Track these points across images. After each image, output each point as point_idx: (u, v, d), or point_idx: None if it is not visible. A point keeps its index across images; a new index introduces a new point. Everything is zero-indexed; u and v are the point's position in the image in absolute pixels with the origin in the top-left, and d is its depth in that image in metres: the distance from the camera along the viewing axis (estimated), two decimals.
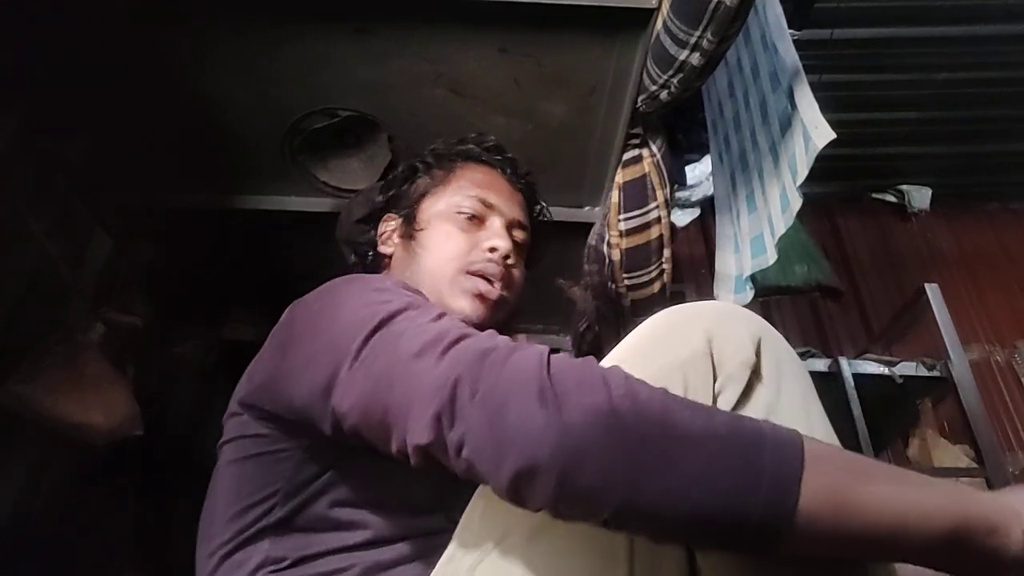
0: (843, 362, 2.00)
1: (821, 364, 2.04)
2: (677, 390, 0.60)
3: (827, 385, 1.95)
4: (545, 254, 1.11)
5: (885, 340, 2.36)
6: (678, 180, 2.05)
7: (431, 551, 0.69)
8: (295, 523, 0.72)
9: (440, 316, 0.66)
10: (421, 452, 0.57)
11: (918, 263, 2.85)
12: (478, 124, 1.30)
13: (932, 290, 2.02)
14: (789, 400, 0.65)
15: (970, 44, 2.38)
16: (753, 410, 0.63)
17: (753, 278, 1.39)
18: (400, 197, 0.99)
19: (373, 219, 1.02)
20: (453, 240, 0.90)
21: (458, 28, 1.14)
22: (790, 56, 1.15)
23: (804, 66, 1.13)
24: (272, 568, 0.70)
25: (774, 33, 1.20)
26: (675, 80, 1.10)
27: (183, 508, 1.62)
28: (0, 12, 1.03)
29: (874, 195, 3.05)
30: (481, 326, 0.85)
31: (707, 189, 2.36)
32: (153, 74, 1.20)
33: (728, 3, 0.95)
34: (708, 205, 2.37)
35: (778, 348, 0.67)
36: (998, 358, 2.64)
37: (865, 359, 2.05)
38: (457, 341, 0.59)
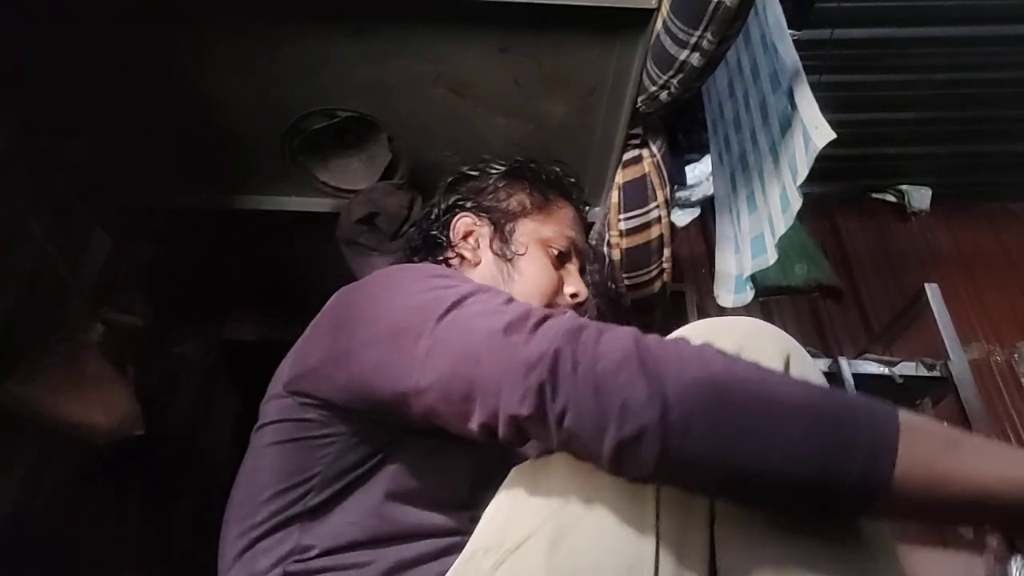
0: (843, 362, 1.99)
1: (821, 364, 2.04)
2: None
3: None
4: None
5: (885, 340, 2.36)
6: (678, 180, 2.05)
7: (452, 550, 0.69)
8: (329, 512, 0.72)
9: (511, 299, 0.65)
10: (515, 424, 0.57)
11: (918, 263, 2.85)
12: (478, 124, 1.30)
13: (932, 290, 2.02)
14: None
15: (970, 44, 2.38)
16: None
17: (753, 278, 1.39)
18: (490, 202, 0.96)
19: (442, 209, 0.98)
20: (548, 277, 0.91)
21: (458, 28, 1.14)
22: (790, 56, 1.15)
23: (804, 66, 1.13)
24: (298, 558, 0.70)
25: (774, 33, 1.20)
26: (675, 80, 1.10)
27: (183, 508, 1.62)
28: (0, 11, 1.03)
29: (874, 195, 3.05)
30: None
31: (707, 189, 2.36)
32: (153, 74, 1.20)
33: (728, 3, 0.95)
34: (708, 205, 2.37)
35: (806, 365, 0.68)
36: (998, 358, 2.64)
37: (865, 359, 2.05)
38: (544, 319, 0.60)
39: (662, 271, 1.41)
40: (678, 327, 0.70)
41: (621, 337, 0.57)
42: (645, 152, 1.33)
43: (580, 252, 0.98)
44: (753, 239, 1.33)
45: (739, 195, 1.41)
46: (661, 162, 1.34)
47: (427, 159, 1.38)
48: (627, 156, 1.33)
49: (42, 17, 1.09)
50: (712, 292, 1.51)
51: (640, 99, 1.22)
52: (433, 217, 1.00)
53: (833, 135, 1.03)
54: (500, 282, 0.90)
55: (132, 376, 1.43)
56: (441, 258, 0.95)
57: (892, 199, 3.04)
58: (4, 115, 1.17)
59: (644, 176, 1.33)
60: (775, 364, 0.64)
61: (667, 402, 0.52)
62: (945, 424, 0.58)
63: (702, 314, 2.14)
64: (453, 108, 1.27)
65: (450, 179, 1.03)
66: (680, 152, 1.89)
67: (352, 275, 1.36)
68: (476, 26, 1.13)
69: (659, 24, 1.08)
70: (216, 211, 1.46)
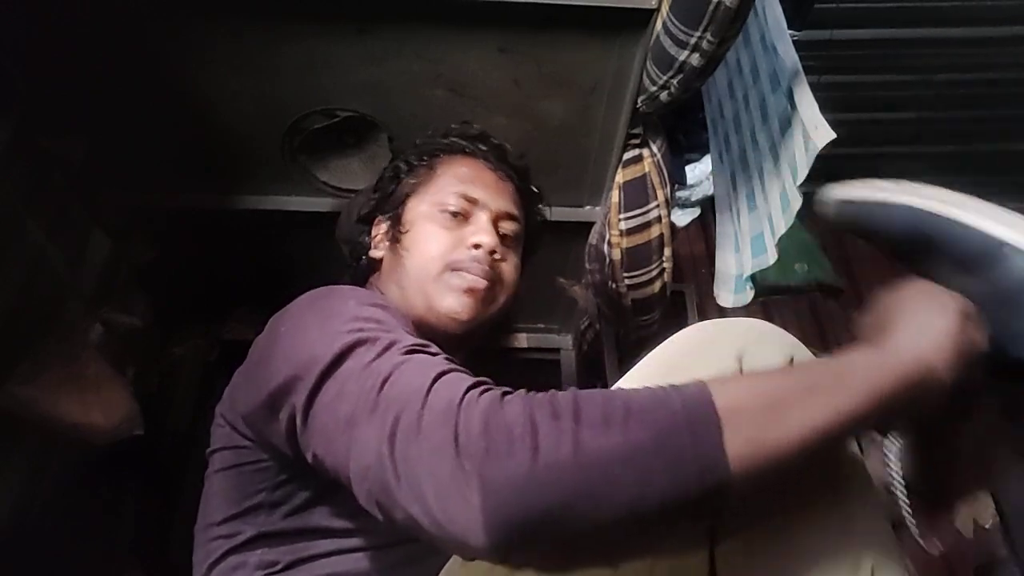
0: None
1: None
2: None
3: None
4: (544, 240, 1.10)
5: None
6: (678, 180, 2.05)
7: (426, 555, 0.68)
8: (285, 530, 0.72)
9: (386, 348, 0.63)
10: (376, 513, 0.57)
11: None
12: (478, 124, 1.30)
13: None
14: None
15: (970, 45, 2.38)
16: None
17: (753, 278, 1.39)
18: (387, 199, 1.00)
19: (366, 222, 1.02)
20: (436, 239, 0.89)
21: (458, 28, 1.14)
22: (790, 57, 1.15)
23: (804, 66, 1.13)
24: (266, 571, 0.71)
25: (774, 34, 1.20)
26: (675, 81, 1.10)
27: (183, 508, 1.62)
28: None
29: None
30: (472, 321, 0.86)
31: (707, 189, 2.36)
32: (152, 73, 1.19)
33: (728, 4, 0.95)
34: (708, 205, 2.37)
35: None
36: None
37: None
38: (379, 400, 0.57)
39: (662, 271, 1.41)
40: (678, 327, 0.70)
41: (438, 424, 0.52)
42: (645, 152, 1.33)
43: (481, 200, 0.93)
44: (753, 239, 1.33)
45: (739, 195, 1.41)
46: (661, 162, 1.34)
47: None
48: (627, 156, 1.33)
49: (40, 16, 1.09)
50: (712, 292, 1.51)
51: (640, 99, 1.22)
52: (363, 226, 1.04)
53: (833, 135, 1.04)
54: (397, 264, 0.91)
55: (132, 376, 1.42)
56: (360, 266, 1.01)
57: None
58: (2, 115, 1.16)
59: (644, 176, 1.33)
60: (776, 365, 0.64)
61: (484, 519, 0.48)
62: (764, 376, 0.57)
63: (702, 314, 2.14)
64: (453, 108, 1.27)
65: (374, 184, 1.07)
66: (680, 152, 1.90)
67: None
68: (476, 26, 1.13)
69: (659, 24, 1.08)
70: (216, 211, 1.46)
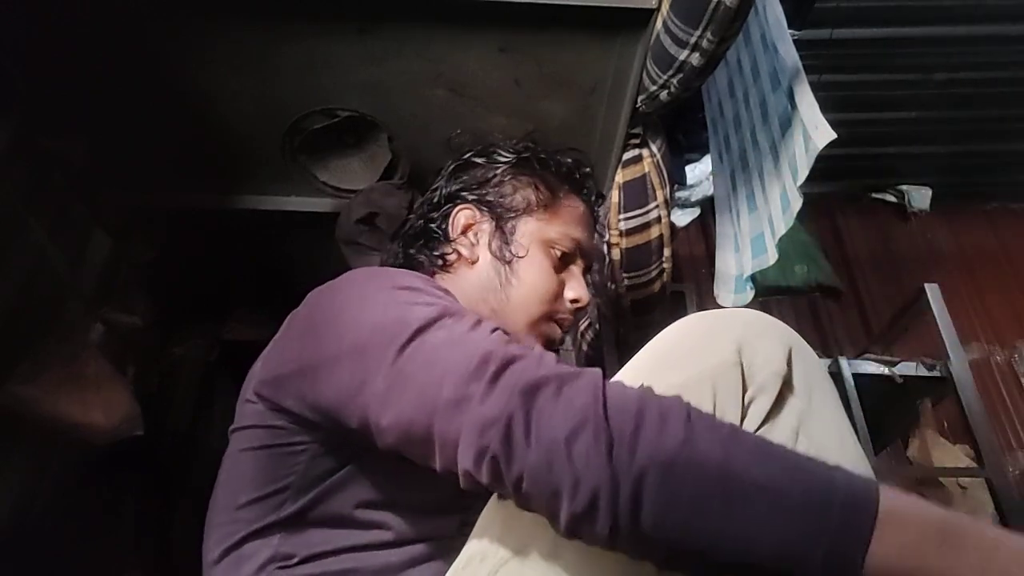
0: (843, 362, 2.00)
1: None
2: (706, 401, 0.60)
3: None
4: None
5: (885, 340, 2.36)
6: (678, 180, 2.05)
7: (444, 554, 0.68)
8: (307, 519, 0.71)
9: (477, 324, 0.63)
10: (474, 481, 0.57)
11: (918, 263, 2.85)
12: (478, 124, 1.30)
13: (932, 290, 2.02)
14: (820, 412, 0.64)
15: (970, 44, 2.38)
16: (785, 421, 0.63)
17: (753, 278, 1.39)
18: (493, 196, 0.91)
19: (450, 201, 0.93)
20: (548, 282, 0.87)
21: (458, 28, 1.14)
22: (790, 56, 1.15)
23: (804, 66, 1.13)
24: (281, 564, 0.69)
25: (774, 33, 1.20)
26: (675, 80, 1.10)
27: (183, 508, 1.61)
28: None
29: (874, 195, 3.05)
30: None
31: (707, 189, 2.36)
32: (153, 73, 1.19)
33: (728, 3, 0.95)
34: (708, 205, 2.37)
35: (808, 359, 0.66)
36: (998, 358, 2.64)
37: (865, 359, 2.05)
38: (505, 367, 0.57)
39: (662, 271, 1.41)
40: None
41: (581, 394, 0.54)
42: (645, 152, 1.33)
43: (586, 253, 0.93)
44: (753, 239, 1.33)
45: (739, 195, 1.41)
46: (661, 162, 1.34)
47: (427, 159, 1.38)
48: (627, 156, 1.33)
49: (40, 16, 1.09)
50: (712, 292, 1.51)
51: (640, 99, 1.22)
52: (433, 203, 0.94)
53: (833, 135, 1.03)
54: (496, 285, 0.86)
55: (132, 376, 1.42)
56: (437, 253, 0.90)
57: (892, 199, 3.04)
58: (3, 115, 1.16)
59: (644, 176, 1.33)
60: (776, 358, 0.63)
61: (618, 481, 0.50)
62: (948, 512, 0.51)
63: None
64: (453, 108, 1.27)
65: (454, 164, 0.97)
66: (680, 152, 1.89)
67: None
68: (476, 26, 1.13)
69: (659, 24, 1.08)
70: (216, 211, 1.46)
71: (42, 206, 1.25)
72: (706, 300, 2.24)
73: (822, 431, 0.63)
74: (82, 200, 1.35)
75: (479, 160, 0.95)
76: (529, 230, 0.88)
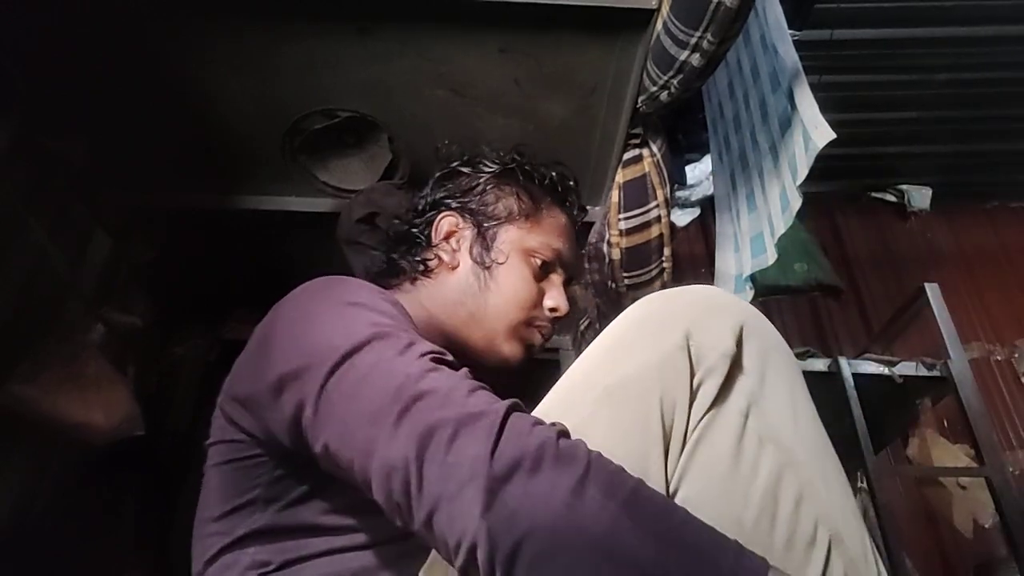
0: (843, 362, 2.00)
1: (821, 364, 2.04)
2: (654, 394, 0.61)
3: (827, 385, 1.95)
4: None
5: (885, 339, 2.36)
6: (678, 180, 2.05)
7: (419, 552, 0.68)
8: (278, 527, 0.72)
9: (408, 347, 0.63)
10: (392, 517, 0.58)
11: (918, 262, 2.85)
12: (478, 124, 1.30)
13: (932, 289, 2.02)
14: (773, 391, 0.64)
15: (970, 44, 2.39)
16: (733, 403, 0.62)
17: (753, 277, 1.39)
18: (476, 204, 0.93)
19: (434, 208, 0.95)
20: (527, 290, 0.88)
21: (458, 28, 1.14)
22: (790, 57, 1.15)
23: (804, 66, 1.13)
24: (259, 571, 0.70)
25: (774, 34, 1.20)
26: (675, 81, 1.10)
27: (183, 508, 1.62)
28: None
29: (874, 195, 3.05)
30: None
31: (707, 189, 2.36)
32: (153, 74, 1.19)
33: (728, 4, 0.95)
34: (708, 205, 2.37)
35: (764, 336, 0.66)
36: (998, 357, 2.64)
37: (865, 359, 2.05)
38: (411, 404, 0.57)
39: (662, 271, 1.41)
40: None
41: (473, 445, 0.53)
42: (645, 152, 1.33)
43: (566, 264, 0.94)
44: (753, 238, 1.33)
45: (739, 194, 1.42)
46: (661, 161, 1.34)
47: (427, 159, 1.38)
48: (627, 156, 1.33)
49: (40, 16, 1.09)
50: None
51: (640, 99, 1.22)
52: (418, 210, 0.97)
53: (833, 135, 1.03)
54: (475, 290, 0.87)
55: (132, 376, 1.42)
56: (419, 258, 0.92)
57: (892, 199, 3.05)
58: (3, 115, 1.16)
59: (644, 176, 1.33)
60: (724, 337, 0.63)
61: (495, 544, 0.50)
62: None
63: None
64: (453, 108, 1.27)
65: (439, 173, 0.99)
66: (680, 152, 1.89)
67: (353, 275, 1.36)
68: (476, 26, 1.13)
69: (659, 24, 1.08)
70: (216, 211, 1.46)
71: (42, 206, 1.25)
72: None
73: (775, 412, 0.63)
74: (82, 200, 1.35)
75: (465, 169, 0.97)
76: (510, 238, 0.90)
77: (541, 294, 0.90)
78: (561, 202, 0.97)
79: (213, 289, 1.71)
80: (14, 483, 1.20)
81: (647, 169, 1.33)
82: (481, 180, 0.94)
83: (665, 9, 1.05)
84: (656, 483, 0.59)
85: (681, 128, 1.87)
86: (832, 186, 2.93)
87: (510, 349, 0.87)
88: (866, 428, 1.88)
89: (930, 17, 2.28)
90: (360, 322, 0.66)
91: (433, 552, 0.65)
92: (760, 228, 1.31)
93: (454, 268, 0.90)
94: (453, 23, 1.13)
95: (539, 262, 0.90)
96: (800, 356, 1.93)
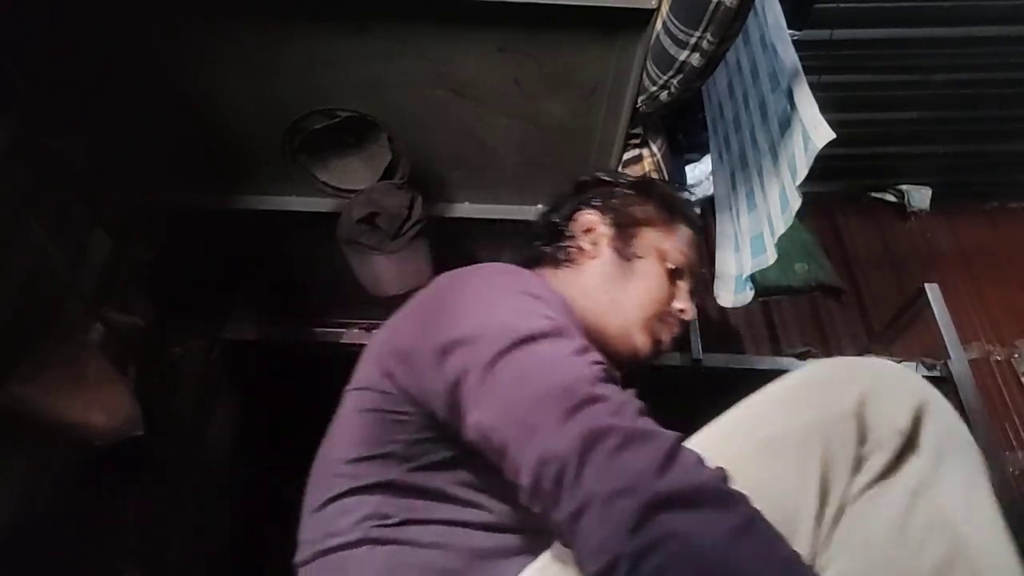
0: None
1: None
2: (815, 451, 0.60)
3: None
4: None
5: (885, 340, 2.36)
6: (678, 180, 2.05)
7: (537, 548, 0.69)
8: (408, 486, 0.73)
9: (583, 351, 0.65)
10: (529, 504, 0.59)
11: (918, 262, 2.85)
12: (478, 124, 1.30)
13: (932, 289, 2.02)
14: (950, 476, 0.62)
15: (970, 44, 2.38)
16: (902, 481, 0.61)
17: (753, 277, 1.39)
18: (617, 205, 0.99)
19: (569, 202, 1.03)
20: (661, 286, 0.93)
21: (458, 28, 1.14)
22: (789, 57, 1.15)
23: (804, 66, 1.13)
24: (378, 523, 0.71)
25: (773, 34, 1.20)
26: (675, 81, 1.10)
27: (183, 508, 1.62)
28: None
29: (874, 195, 3.05)
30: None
31: (707, 189, 2.35)
32: (153, 73, 1.20)
33: (728, 4, 0.95)
34: (708, 205, 2.36)
35: (946, 421, 0.64)
36: (998, 357, 2.64)
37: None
38: (583, 404, 0.58)
39: None
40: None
41: (642, 460, 0.54)
42: (645, 151, 1.33)
43: (694, 274, 1.00)
44: (753, 238, 1.33)
45: (739, 194, 1.41)
46: (661, 162, 1.34)
47: (427, 159, 1.38)
48: (627, 156, 1.33)
49: (40, 16, 1.09)
50: (712, 292, 1.51)
51: (640, 99, 1.22)
52: (560, 208, 1.04)
53: (833, 135, 1.03)
54: (616, 279, 0.92)
55: (132, 376, 1.42)
56: (562, 245, 0.97)
57: (892, 199, 3.04)
58: (3, 115, 1.17)
59: (644, 175, 1.33)
60: (900, 414, 0.62)
61: (638, 561, 0.50)
62: None
63: (702, 313, 2.14)
64: (453, 108, 1.27)
65: (580, 180, 1.07)
66: (680, 152, 1.89)
67: (352, 275, 1.36)
68: (476, 26, 1.13)
69: (659, 24, 1.08)
70: (216, 211, 1.46)
71: (42, 206, 1.25)
72: (706, 299, 2.25)
73: (949, 496, 0.61)
74: (82, 200, 1.35)
75: (606, 178, 1.07)
76: (648, 239, 0.96)
77: (672, 295, 0.95)
78: (692, 221, 1.03)
79: (213, 289, 1.71)
80: (14, 483, 1.20)
81: (647, 169, 1.33)
82: (622, 186, 1.03)
83: (665, 9, 1.05)
84: (803, 542, 0.59)
85: (681, 128, 1.87)
86: (832, 186, 2.92)
87: (642, 341, 0.91)
88: None
89: (930, 17, 2.28)
90: (539, 313, 0.68)
91: (548, 555, 0.67)
92: (760, 228, 1.31)
93: (595, 258, 0.95)
94: (453, 22, 1.13)
95: (672, 266, 0.95)
96: (800, 356, 1.93)
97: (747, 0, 0.96)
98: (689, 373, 1.69)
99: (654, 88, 1.16)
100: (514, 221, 1.51)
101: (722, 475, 0.55)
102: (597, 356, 0.66)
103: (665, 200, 1.01)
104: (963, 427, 0.65)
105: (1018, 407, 2.52)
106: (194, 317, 1.74)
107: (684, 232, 1.00)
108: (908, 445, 0.62)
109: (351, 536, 0.71)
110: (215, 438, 1.76)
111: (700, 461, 0.56)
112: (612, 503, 0.52)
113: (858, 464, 0.61)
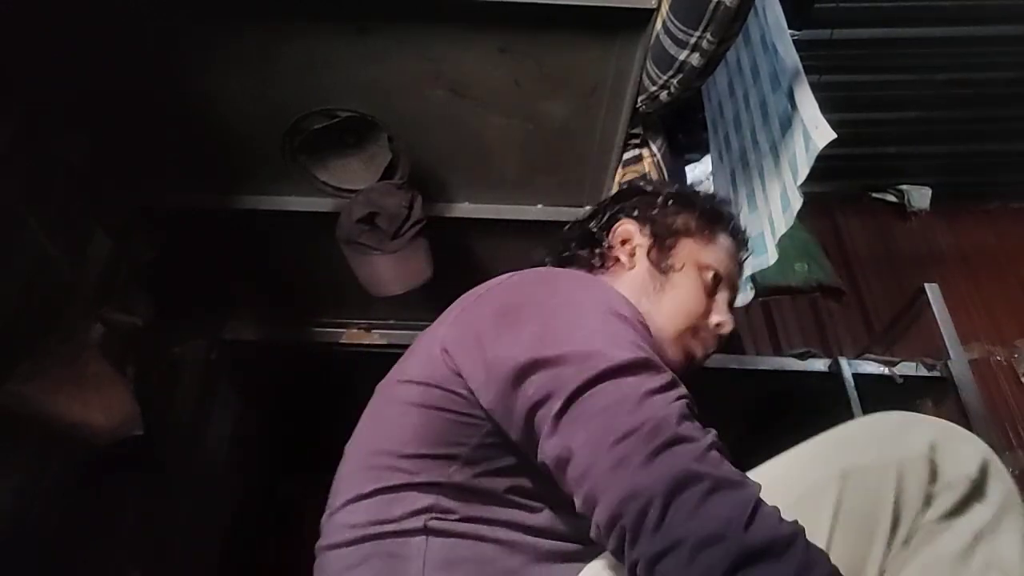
0: (843, 362, 1.99)
1: (821, 364, 2.03)
2: (889, 489, 0.64)
3: (827, 385, 1.95)
4: (543, 239, 1.11)
5: (885, 340, 2.36)
6: (678, 180, 2.04)
7: (591, 556, 0.70)
8: (473, 488, 0.73)
9: (671, 385, 0.65)
10: (600, 538, 0.60)
11: (918, 263, 2.85)
12: (478, 124, 1.30)
13: (932, 290, 2.02)
14: (1009, 531, 0.65)
15: (970, 44, 2.39)
16: (968, 521, 0.65)
17: (753, 278, 1.39)
18: (654, 215, 0.97)
19: (607, 211, 1.01)
20: (697, 299, 0.91)
21: (458, 28, 1.14)
22: (790, 56, 1.15)
23: (804, 66, 1.13)
24: (438, 516, 0.71)
25: (774, 33, 1.20)
26: (675, 81, 1.10)
27: (183, 508, 1.62)
28: None
29: (874, 195, 3.05)
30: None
31: (707, 189, 2.35)
32: (153, 74, 1.20)
33: (728, 3, 0.95)
34: None
35: (1007, 480, 0.69)
36: (998, 357, 2.64)
37: (865, 359, 2.05)
38: (671, 444, 0.58)
39: None
40: None
41: (729, 508, 0.55)
42: (645, 151, 1.33)
43: (733, 285, 0.98)
44: (753, 239, 1.33)
45: (739, 194, 1.41)
46: (661, 162, 1.34)
47: (427, 159, 1.38)
48: (627, 155, 1.33)
49: (40, 16, 1.09)
50: None
51: (640, 99, 1.22)
52: (595, 218, 1.02)
53: (833, 135, 1.03)
54: (649, 291, 0.90)
55: (132, 376, 1.42)
56: (597, 251, 0.96)
57: (892, 199, 3.04)
58: (4, 115, 1.16)
59: (644, 175, 1.33)
60: (969, 462, 0.66)
61: None
62: None
63: None
64: (453, 108, 1.27)
65: (619, 190, 1.06)
66: (680, 152, 1.89)
67: (352, 275, 1.36)
68: (476, 26, 1.13)
69: (659, 24, 1.08)
70: (216, 211, 1.46)
71: (43, 206, 1.25)
72: None
73: (1007, 548, 0.65)
74: (82, 200, 1.35)
75: (646, 187, 1.05)
76: (686, 250, 0.94)
77: (709, 308, 0.92)
78: (733, 231, 1.01)
79: (213, 289, 1.71)
80: (14, 483, 1.20)
81: (647, 169, 1.33)
82: (660, 197, 1.00)
83: (665, 9, 1.05)
84: (875, 560, 0.63)
85: (681, 128, 1.87)
86: (832, 186, 2.92)
87: (673, 353, 0.89)
88: None
89: (930, 17, 2.28)
90: (627, 339, 0.68)
91: (596, 563, 0.68)
92: (761, 228, 1.31)
93: (631, 269, 0.94)
94: (453, 23, 1.13)
95: (710, 277, 0.93)
96: (800, 356, 1.93)
97: (747, 0, 0.96)
98: (689, 373, 1.68)
99: (654, 88, 1.16)
100: (514, 221, 1.51)
101: (802, 529, 0.56)
102: (682, 390, 0.66)
103: (706, 210, 0.99)
104: (1017, 491, 0.69)
105: (1018, 407, 2.52)
106: (194, 317, 1.74)
107: (724, 243, 0.98)
108: (974, 493, 0.66)
109: (407, 525, 0.71)
110: (214, 438, 1.76)
111: (779, 514, 0.57)
112: (699, 551, 0.52)
113: (928, 499, 0.65)
